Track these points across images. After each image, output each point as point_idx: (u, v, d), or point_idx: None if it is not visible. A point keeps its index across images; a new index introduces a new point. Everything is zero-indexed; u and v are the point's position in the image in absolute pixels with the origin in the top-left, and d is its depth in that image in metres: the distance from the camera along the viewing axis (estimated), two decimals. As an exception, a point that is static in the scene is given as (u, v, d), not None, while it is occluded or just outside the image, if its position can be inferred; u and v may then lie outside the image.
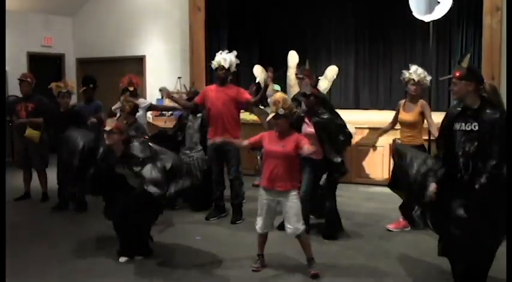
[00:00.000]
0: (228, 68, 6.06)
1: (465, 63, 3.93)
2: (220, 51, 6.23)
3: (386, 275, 4.56)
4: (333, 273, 4.59)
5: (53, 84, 6.59)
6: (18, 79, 7.00)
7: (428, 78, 5.74)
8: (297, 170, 4.59)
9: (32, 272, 4.70)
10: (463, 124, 3.83)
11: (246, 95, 6.16)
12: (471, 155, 3.75)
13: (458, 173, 3.80)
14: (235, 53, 6.17)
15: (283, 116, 4.38)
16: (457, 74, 3.87)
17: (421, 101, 5.69)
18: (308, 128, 5.32)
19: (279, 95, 4.55)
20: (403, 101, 5.85)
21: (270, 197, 4.50)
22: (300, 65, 6.14)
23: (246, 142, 4.82)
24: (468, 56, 4.03)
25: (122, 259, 4.89)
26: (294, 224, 4.43)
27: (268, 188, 4.50)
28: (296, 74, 5.96)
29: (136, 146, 4.74)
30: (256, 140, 4.68)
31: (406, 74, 5.68)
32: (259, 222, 4.58)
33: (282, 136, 4.47)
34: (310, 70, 6.11)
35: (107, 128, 4.70)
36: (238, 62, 6.19)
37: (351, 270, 4.67)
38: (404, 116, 5.71)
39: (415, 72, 5.64)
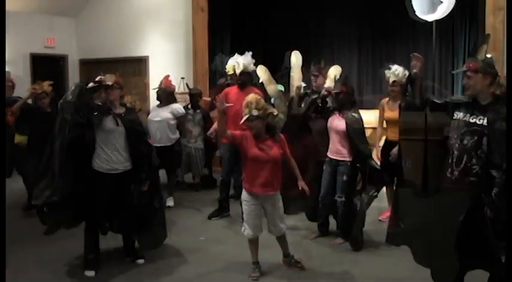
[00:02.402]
0: (243, 71, 5.96)
1: (480, 55, 3.57)
2: (235, 55, 6.17)
3: (388, 278, 4.56)
4: (333, 277, 4.58)
5: (29, 88, 6.63)
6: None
7: None
8: (280, 171, 4.47)
9: (33, 273, 4.72)
10: (468, 115, 3.50)
11: None
12: (468, 150, 3.44)
13: (449, 167, 3.53)
14: (249, 53, 6.10)
15: (258, 117, 4.28)
16: (473, 66, 3.50)
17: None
18: (338, 123, 5.21)
19: (251, 97, 4.38)
20: (386, 100, 5.92)
21: (256, 202, 4.41)
22: (315, 63, 6.24)
23: (229, 131, 4.51)
24: (484, 46, 3.63)
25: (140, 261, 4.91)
26: (281, 225, 4.53)
27: (257, 194, 4.38)
28: (311, 71, 6.04)
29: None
30: (237, 137, 4.43)
31: (386, 74, 5.77)
32: (247, 228, 4.48)
33: (259, 138, 4.36)
34: (325, 68, 6.14)
35: (109, 83, 4.49)
36: (253, 61, 6.11)
37: (352, 274, 4.66)
38: (391, 114, 5.81)
39: (393, 72, 5.77)
